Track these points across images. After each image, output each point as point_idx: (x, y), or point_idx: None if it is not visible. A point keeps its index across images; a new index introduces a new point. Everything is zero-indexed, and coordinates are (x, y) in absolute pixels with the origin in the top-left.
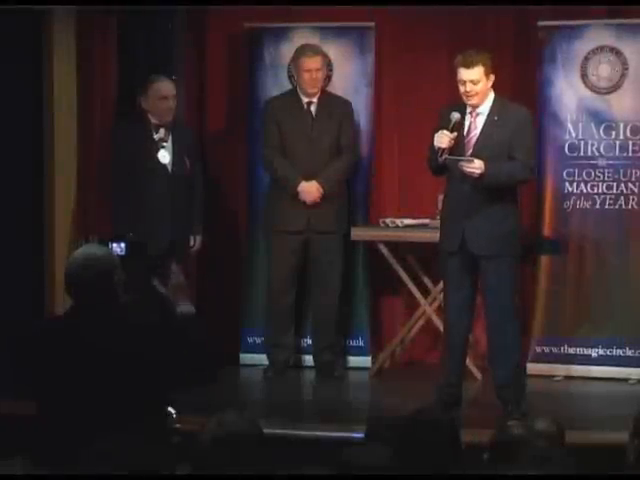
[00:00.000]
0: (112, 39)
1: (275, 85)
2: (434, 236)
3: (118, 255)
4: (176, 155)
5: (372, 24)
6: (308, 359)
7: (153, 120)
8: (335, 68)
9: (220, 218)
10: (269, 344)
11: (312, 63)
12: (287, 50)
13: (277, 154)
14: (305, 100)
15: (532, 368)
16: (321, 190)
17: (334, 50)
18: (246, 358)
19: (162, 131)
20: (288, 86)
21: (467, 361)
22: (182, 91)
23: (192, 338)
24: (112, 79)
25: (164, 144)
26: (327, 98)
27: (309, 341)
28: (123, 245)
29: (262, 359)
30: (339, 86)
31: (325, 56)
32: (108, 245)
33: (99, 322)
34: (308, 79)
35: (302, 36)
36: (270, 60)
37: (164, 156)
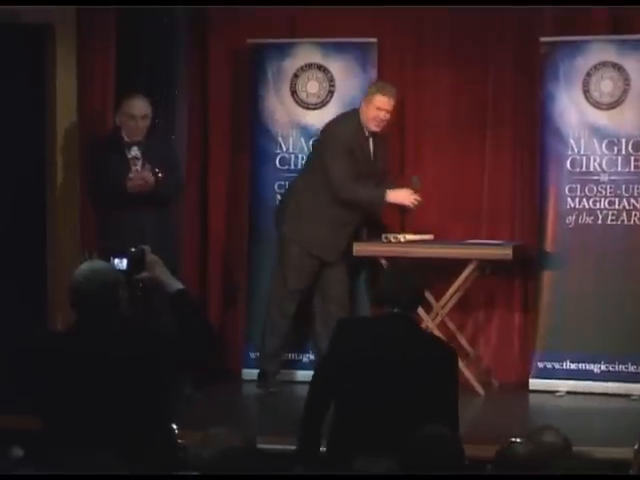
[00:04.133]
0: (112, 54)
1: (277, 100)
2: (436, 252)
3: (120, 270)
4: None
5: (374, 40)
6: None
7: (125, 137)
8: (337, 84)
9: (222, 233)
10: (266, 357)
11: (389, 104)
12: (289, 65)
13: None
14: (368, 134)
15: (534, 383)
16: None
17: (336, 66)
18: (248, 374)
19: (134, 149)
20: (291, 102)
21: (469, 377)
22: (184, 106)
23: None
24: (111, 96)
25: (137, 162)
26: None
27: (307, 357)
28: (125, 260)
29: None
30: (341, 102)
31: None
32: (110, 260)
33: (104, 336)
34: (382, 119)
35: (304, 52)
36: (273, 75)
37: (134, 174)
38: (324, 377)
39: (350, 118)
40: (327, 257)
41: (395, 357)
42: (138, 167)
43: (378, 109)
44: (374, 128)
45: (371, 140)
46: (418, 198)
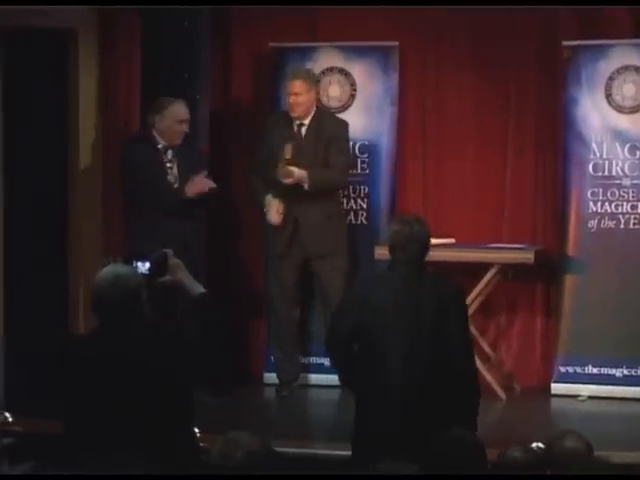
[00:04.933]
0: (137, 58)
1: None
2: (458, 255)
3: (142, 274)
4: (183, 176)
5: (396, 43)
6: (314, 377)
7: (162, 142)
8: (359, 87)
9: (242, 237)
10: (278, 362)
11: (293, 87)
12: (312, 69)
13: (257, 170)
14: (296, 122)
15: (556, 388)
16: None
17: (358, 69)
18: (270, 377)
19: (170, 153)
20: None
21: (491, 381)
22: (206, 110)
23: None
24: (136, 99)
25: (171, 165)
26: (319, 119)
27: (315, 359)
28: (148, 264)
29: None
30: (363, 105)
31: (310, 80)
32: (132, 264)
33: (126, 340)
34: (291, 102)
35: (326, 55)
36: None
37: (172, 178)
38: (344, 325)
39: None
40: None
41: (410, 301)
42: (175, 171)
43: (289, 95)
44: (293, 114)
45: (303, 133)
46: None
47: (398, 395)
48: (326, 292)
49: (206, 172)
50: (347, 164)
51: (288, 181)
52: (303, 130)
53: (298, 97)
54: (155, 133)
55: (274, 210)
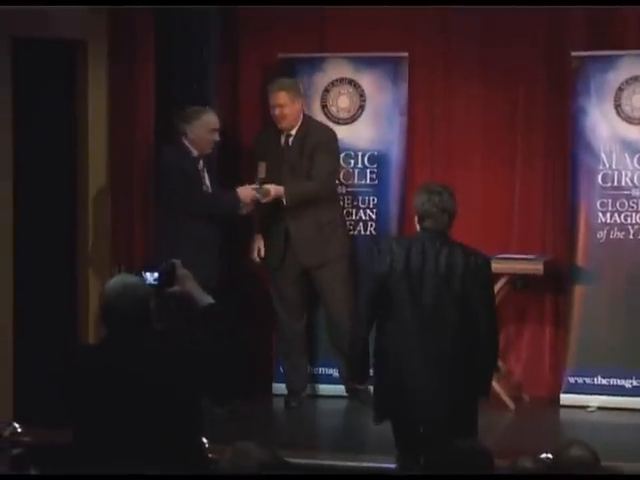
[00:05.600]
0: (148, 70)
1: (309, 114)
2: None
3: (150, 284)
4: (213, 186)
5: (405, 54)
6: (323, 388)
7: (195, 151)
8: (368, 98)
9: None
10: (286, 373)
11: (278, 98)
12: (320, 80)
13: None
14: (284, 134)
15: (565, 398)
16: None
17: (367, 80)
18: (279, 388)
19: (202, 162)
20: (321, 116)
21: (500, 391)
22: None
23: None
24: (148, 111)
25: (203, 175)
26: (306, 129)
27: (324, 370)
28: (156, 274)
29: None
30: (372, 116)
31: (295, 91)
32: (141, 274)
33: (134, 351)
34: (276, 115)
35: (335, 66)
36: (303, 90)
37: (206, 188)
38: (371, 293)
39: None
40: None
41: (439, 268)
42: (207, 181)
43: (273, 107)
44: (280, 125)
45: (290, 144)
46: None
47: (421, 360)
48: (328, 302)
49: (263, 177)
50: (331, 173)
51: (266, 200)
52: (290, 141)
53: (284, 109)
54: (187, 142)
55: (256, 248)
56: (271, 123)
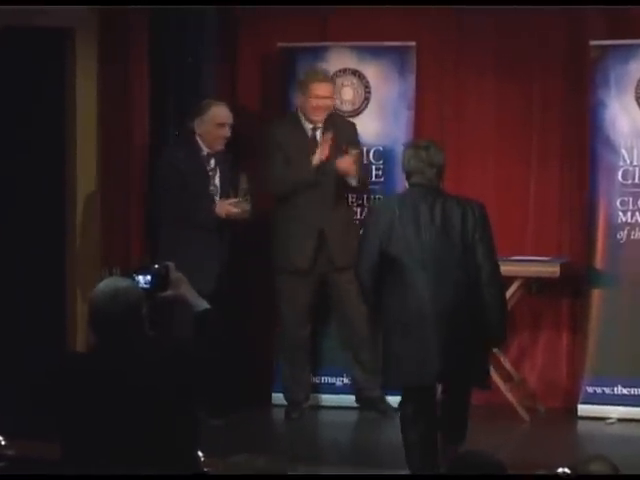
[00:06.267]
0: (142, 59)
1: None
2: None
3: (142, 288)
4: (224, 187)
5: (413, 43)
6: (326, 398)
7: (205, 148)
8: (373, 90)
9: (249, 252)
10: (287, 382)
11: (322, 90)
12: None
13: (280, 186)
14: (309, 126)
15: (583, 409)
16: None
17: (372, 71)
18: (278, 398)
19: (213, 161)
20: None
21: (514, 402)
22: None
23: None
24: (142, 103)
25: (213, 174)
26: (331, 121)
27: (327, 379)
28: (149, 277)
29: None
30: (377, 109)
31: (334, 83)
32: (132, 277)
33: (126, 359)
34: (315, 106)
35: (338, 56)
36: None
37: (214, 189)
38: (371, 250)
39: (289, 116)
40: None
41: (433, 221)
42: (217, 181)
43: (311, 97)
44: (316, 117)
45: (318, 137)
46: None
47: (427, 317)
48: (343, 304)
49: (245, 188)
50: (362, 165)
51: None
52: (318, 134)
53: (326, 101)
54: (198, 139)
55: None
56: (284, 116)
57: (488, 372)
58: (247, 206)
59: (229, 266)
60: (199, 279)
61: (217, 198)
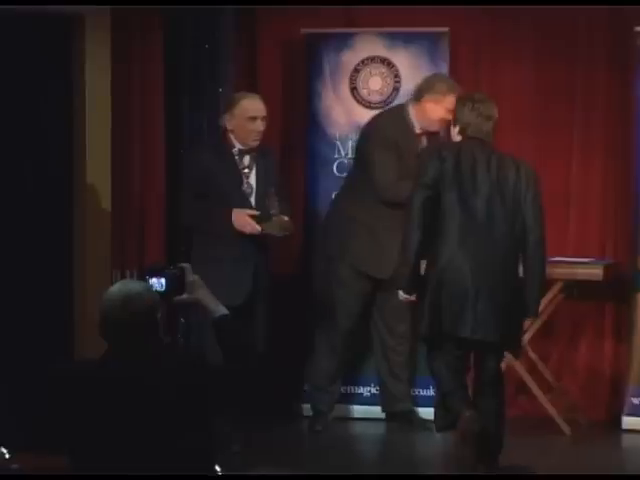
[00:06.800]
0: (156, 46)
1: (335, 99)
2: None
3: (157, 291)
4: (261, 187)
5: (446, 29)
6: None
7: (237, 145)
8: (403, 80)
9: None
10: (312, 392)
11: (452, 103)
12: (349, 59)
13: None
14: (417, 135)
15: (628, 422)
16: None
17: (402, 59)
18: (308, 409)
19: (247, 159)
20: (350, 100)
21: (554, 414)
22: None
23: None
24: (157, 94)
25: (248, 172)
26: None
27: (368, 390)
28: (163, 280)
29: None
30: (408, 98)
31: None
32: (146, 280)
33: (139, 368)
34: (445, 118)
35: (366, 43)
36: (330, 70)
37: (248, 189)
38: (422, 199)
39: (393, 111)
40: (380, 274)
41: (490, 175)
42: (252, 181)
43: (448, 111)
44: (435, 128)
45: (424, 139)
46: None
47: (469, 269)
48: (383, 308)
49: (273, 190)
50: None
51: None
52: (424, 142)
53: (450, 114)
54: (231, 135)
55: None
56: (394, 109)
57: (521, 340)
58: (279, 227)
59: (261, 275)
60: (231, 290)
61: (252, 199)
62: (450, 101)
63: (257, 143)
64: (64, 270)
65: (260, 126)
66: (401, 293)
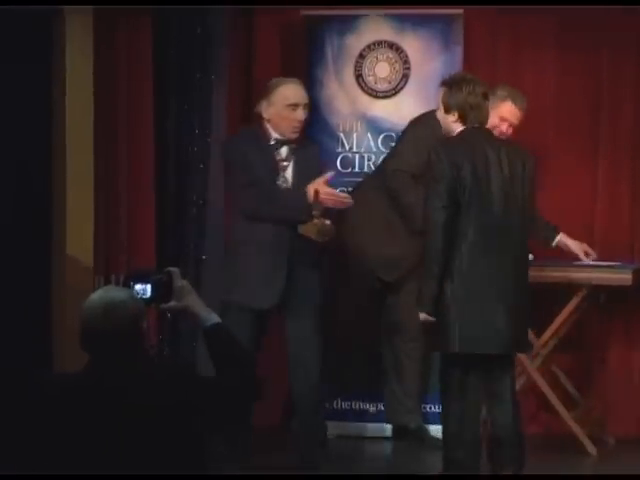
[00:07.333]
0: (144, 32)
1: (339, 86)
2: (537, 275)
3: (142, 299)
4: (299, 182)
5: (460, 11)
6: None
7: (274, 134)
8: (413, 66)
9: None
10: None
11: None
12: (354, 43)
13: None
14: None
15: None
16: None
17: (412, 44)
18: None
19: (285, 150)
20: (355, 88)
21: (578, 432)
22: (224, 92)
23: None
24: (145, 80)
25: (286, 165)
26: None
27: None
28: (149, 286)
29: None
30: (418, 88)
31: None
32: (130, 286)
33: (123, 381)
34: (498, 127)
35: (372, 26)
36: (333, 56)
37: (284, 183)
38: (442, 198)
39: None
40: (388, 277)
41: (502, 167)
42: (289, 174)
43: (502, 119)
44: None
45: None
46: None
47: (494, 282)
48: (392, 308)
49: (329, 175)
50: None
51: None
52: None
53: (510, 129)
54: (268, 125)
55: None
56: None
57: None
58: (317, 230)
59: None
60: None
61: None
62: (508, 109)
63: (297, 134)
64: (41, 275)
65: (301, 115)
66: (423, 315)
